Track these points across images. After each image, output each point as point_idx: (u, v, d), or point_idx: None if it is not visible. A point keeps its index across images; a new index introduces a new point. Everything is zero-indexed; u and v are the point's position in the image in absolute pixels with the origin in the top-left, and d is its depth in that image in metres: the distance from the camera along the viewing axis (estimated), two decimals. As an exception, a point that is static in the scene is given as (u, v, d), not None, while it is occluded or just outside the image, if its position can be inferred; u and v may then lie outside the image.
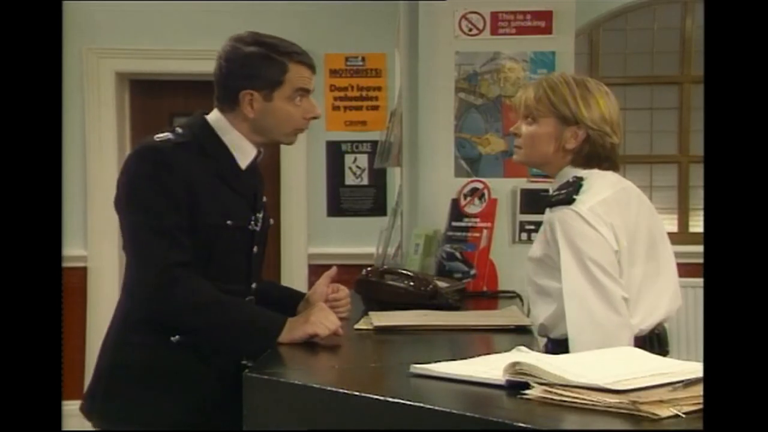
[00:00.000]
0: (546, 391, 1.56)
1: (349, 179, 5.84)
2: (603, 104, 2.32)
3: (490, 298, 3.36)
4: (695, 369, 1.61)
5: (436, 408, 1.54)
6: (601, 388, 1.50)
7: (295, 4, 5.71)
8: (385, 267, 3.19)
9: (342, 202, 5.84)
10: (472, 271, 3.38)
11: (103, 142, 5.71)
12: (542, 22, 3.56)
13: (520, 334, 2.49)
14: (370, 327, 2.53)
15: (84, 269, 5.67)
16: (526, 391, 1.57)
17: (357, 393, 1.66)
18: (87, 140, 5.70)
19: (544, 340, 2.41)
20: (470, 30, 3.58)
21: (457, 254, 3.42)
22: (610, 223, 2.23)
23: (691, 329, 5.52)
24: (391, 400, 1.60)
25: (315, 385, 1.77)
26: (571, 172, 2.34)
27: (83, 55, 5.66)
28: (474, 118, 3.60)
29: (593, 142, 2.32)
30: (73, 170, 5.64)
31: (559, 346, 2.25)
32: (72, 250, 5.60)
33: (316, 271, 5.82)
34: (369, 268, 3.11)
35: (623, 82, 6.11)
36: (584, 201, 2.23)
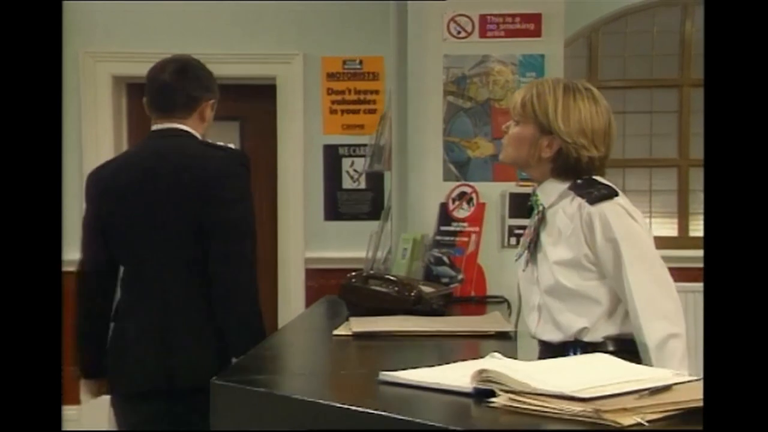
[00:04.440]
0: (511, 399, 1.54)
1: (347, 183, 5.80)
2: (585, 115, 2.31)
3: (478, 303, 3.33)
4: (666, 376, 1.62)
5: (397, 417, 1.52)
6: (566, 396, 1.48)
7: (292, 5, 5.68)
8: (370, 272, 3.16)
9: (339, 206, 5.81)
10: (460, 276, 3.35)
11: (99, 146, 5.69)
12: (531, 24, 3.53)
13: (501, 340, 2.47)
14: (349, 333, 2.51)
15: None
16: (492, 399, 1.54)
17: (317, 401, 1.65)
18: (83, 144, 5.68)
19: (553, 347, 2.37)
20: (459, 33, 3.55)
21: (445, 259, 3.38)
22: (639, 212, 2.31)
23: (690, 334, 5.46)
24: (350, 408, 1.58)
25: (277, 393, 1.76)
26: (555, 185, 2.35)
27: (80, 58, 5.65)
28: (463, 122, 3.57)
29: (567, 154, 2.31)
30: (69, 174, 5.57)
31: (595, 349, 2.22)
32: (68, 254, 5.55)
33: (313, 275, 5.78)
34: (354, 273, 3.09)
35: (622, 85, 6.08)
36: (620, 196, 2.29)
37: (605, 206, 2.26)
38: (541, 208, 2.41)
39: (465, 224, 3.43)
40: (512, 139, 2.38)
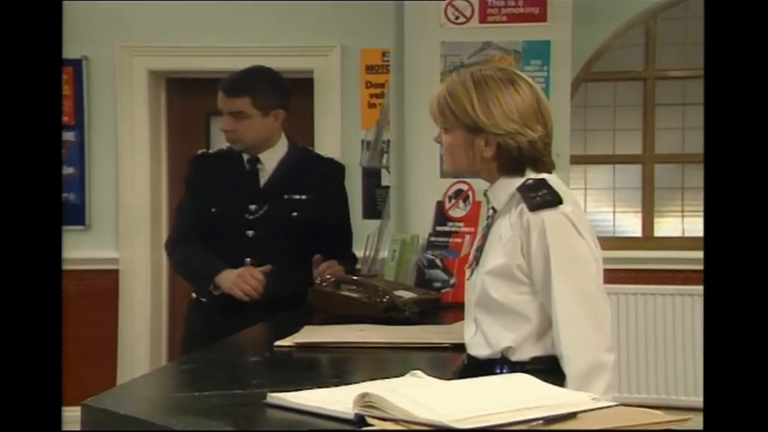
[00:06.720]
0: (384, 429, 1.44)
1: (386, 180, 5.55)
2: (506, 100, 2.09)
3: (471, 310, 3.08)
4: (580, 402, 1.53)
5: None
6: (442, 428, 1.39)
7: (331, -3, 5.50)
8: (340, 276, 2.97)
9: (378, 203, 5.58)
10: (452, 280, 3.11)
11: (135, 142, 5.62)
12: (535, 8, 3.27)
13: (456, 352, 2.28)
14: (292, 344, 2.32)
15: (116, 272, 5.59)
16: (364, 429, 1.44)
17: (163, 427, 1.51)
18: (119, 140, 5.61)
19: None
20: (457, 18, 3.32)
21: (438, 261, 3.14)
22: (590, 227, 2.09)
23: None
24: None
25: (138, 417, 1.59)
26: (505, 184, 2.13)
27: (116, 52, 5.58)
28: (461, 114, 3.32)
29: (507, 147, 2.10)
30: (104, 171, 5.59)
31: (523, 368, 2.00)
32: (103, 252, 5.54)
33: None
34: (327, 277, 2.90)
35: (683, 75, 5.75)
36: (565, 204, 2.05)
37: (546, 214, 2.03)
38: (491, 212, 2.19)
39: (460, 224, 3.18)
40: (447, 149, 2.18)
